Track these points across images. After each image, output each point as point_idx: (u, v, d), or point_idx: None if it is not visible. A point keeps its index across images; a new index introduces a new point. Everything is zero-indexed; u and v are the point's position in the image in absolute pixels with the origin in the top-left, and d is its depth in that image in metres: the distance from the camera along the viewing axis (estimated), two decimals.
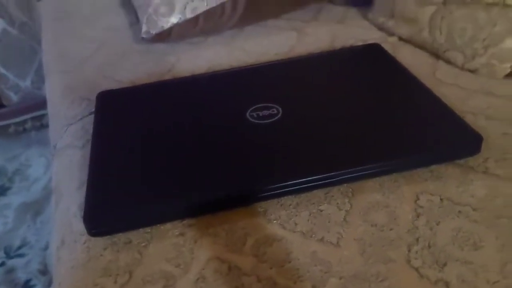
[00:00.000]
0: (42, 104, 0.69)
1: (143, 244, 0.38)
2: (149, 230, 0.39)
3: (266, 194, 0.40)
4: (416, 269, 0.34)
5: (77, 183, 0.45)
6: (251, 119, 0.46)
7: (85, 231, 0.38)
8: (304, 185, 0.40)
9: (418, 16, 0.61)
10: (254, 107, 0.48)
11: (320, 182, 0.40)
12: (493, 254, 0.35)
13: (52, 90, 0.64)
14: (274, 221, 0.39)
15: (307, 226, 0.38)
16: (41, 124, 1.27)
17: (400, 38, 0.65)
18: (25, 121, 1.28)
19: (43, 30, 0.80)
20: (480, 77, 0.55)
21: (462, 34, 0.56)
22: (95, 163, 0.43)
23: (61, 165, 0.49)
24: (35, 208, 1.07)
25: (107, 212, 0.38)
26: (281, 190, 0.40)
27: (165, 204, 0.39)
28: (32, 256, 0.98)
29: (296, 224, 0.38)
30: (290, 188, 0.40)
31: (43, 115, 1.24)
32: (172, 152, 0.43)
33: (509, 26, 0.53)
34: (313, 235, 0.37)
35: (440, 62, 0.59)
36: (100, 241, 0.38)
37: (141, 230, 0.39)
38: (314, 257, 0.35)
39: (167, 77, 0.60)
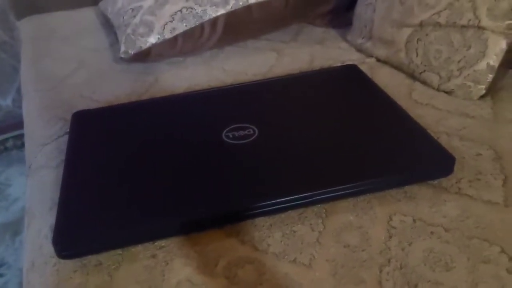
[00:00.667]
0: (23, 123, 0.68)
1: (113, 266, 0.37)
2: (120, 252, 0.38)
3: (239, 215, 0.40)
4: None
5: (50, 204, 0.44)
6: (227, 140, 0.46)
7: (55, 253, 0.37)
8: (278, 206, 0.40)
9: (395, 38, 0.62)
10: (230, 127, 0.48)
11: (294, 203, 0.40)
12: (464, 275, 0.35)
13: (29, 110, 0.63)
14: (247, 242, 0.38)
15: (280, 247, 0.38)
16: (22, 143, 1.25)
17: (378, 59, 0.66)
18: (6, 140, 1.26)
19: (22, 49, 0.80)
20: (455, 98, 0.56)
21: (438, 56, 0.57)
22: (67, 185, 0.42)
23: (34, 185, 0.48)
24: (14, 228, 1.05)
25: (77, 234, 0.38)
26: (255, 211, 0.40)
27: (136, 226, 0.38)
28: (10, 277, 0.96)
29: (269, 245, 0.38)
30: (264, 209, 0.40)
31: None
32: (145, 174, 0.43)
33: (483, 48, 0.54)
34: (286, 256, 0.37)
35: (416, 83, 0.60)
36: (70, 264, 0.38)
37: (112, 252, 0.38)
38: (286, 278, 0.35)
39: (145, 96, 0.60)
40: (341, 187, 0.41)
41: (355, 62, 0.61)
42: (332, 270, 0.36)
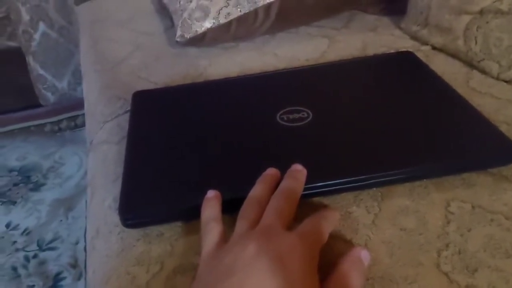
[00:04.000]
0: (77, 105, 0.72)
1: (174, 237, 0.39)
2: (181, 224, 0.40)
3: None
4: (446, 274, 0.34)
5: (112, 176, 0.46)
6: (281, 122, 0.47)
7: (120, 222, 0.39)
8: (333, 187, 0.40)
9: (453, 25, 0.61)
10: (284, 110, 0.48)
11: (349, 185, 0.41)
12: None
13: (89, 89, 0.66)
14: None
15: (335, 227, 0.38)
16: (75, 124, 1.32)
17: (434, 47, 0.65)
18: (60, 121, 1.33)
19: (81, 33, 0.83)
20: None
21: (498, 44, 0.56)
22: (131, 158, 0.44)
23: (96, 159, 0.51)
24: (67, 204, 1.11)
25: (141, 206, 0.40)
26: (310, 191, 0.40)
27: (196, 200, 0.40)
28: (63, 250, 1.01)
29: None
30: (320, 190, 0.40)
31: (78, 116, 1.29)
32: (204, 151, 0.44)
33: None
34: (341, 237, 0.37)
35: (474, 72, 0.58)
36: (134, 233, 0.40)
37: (172, 223, 0.40)
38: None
39: (200, 79, 0.61)
40: (398, 171, 0.41)
41: (410, 50, 0.60)
42: (388, 252, 0.36)
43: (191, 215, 0.40)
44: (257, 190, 0.38)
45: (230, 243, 0.33)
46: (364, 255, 0.34)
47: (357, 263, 0.33)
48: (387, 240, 0.37)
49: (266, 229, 0.33)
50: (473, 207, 0.39)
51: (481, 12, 0.57)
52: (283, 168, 0.41)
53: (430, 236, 0.37)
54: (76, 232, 1.03)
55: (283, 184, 0.39)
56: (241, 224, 0.35)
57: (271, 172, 0.40)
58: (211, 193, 0.38)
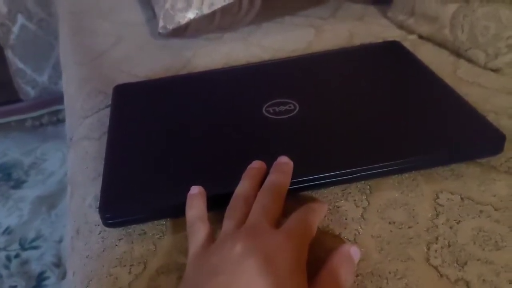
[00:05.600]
0: (58, 99, 0.70)
1: (157, 236, 0.38)
2: (164, 222, 0.39)
3: None
4: (436, 268, 0.33)
5: (93, 174, 0.45)
6: (267, 115, 0.46)
7: (100, 221, 0.38)
8: (320, 181, 0.39)
9: (439, 14, 0.60)
10: (270, 102, 0.47)
11: (337, 179, 0.40)
12: None
13: (69, 83, 0.64)
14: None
15: (323, 222, 0.37)
16: (57, 119, 1.29)
17: (420, 36, 0.64)
18: (41, 116, 1.29)
19: (60, 24, 0.81)
20: (503, 76, 0.54)
21: (485, 32, 0.55)
22: (111, 155, 0.43)
23: (77, 156, 0.49)
24: (50, 202, 1.08)
25: (122, 204, 0.38)
26: (297, 186, 0.39)
27: (180, 197, 0.38)
28: (46, 249, 0.99)
29: None
30: (307, 184, 0.39)
31: (60, 110, 1.26)
32: (187, 146, 0.43)
33: None
34: (330, 232, 0.37)
35: (461, 61, 0.58)
36: (115, 232, 0.38)
37: (155, 222, 0.39)
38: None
39: (183, 72, 0.60)
40: (385, 163, 0.40)
41: (397, 39, 0.59)
42: (377, 246, 0.35)
43: (175, 212, 0.39)
44: (243, 186, 0.37)
45: (217, 243, 0.32)
46: (354, 251, 0.33)
47: (347, 259, 0.32)
48: (376, 234, 0.36)
49: (252, 228, 0.32)
50: (462, 198, 0.38)
51: (467, 0, 0.57)
52: (270, 162, 0.40)
53: (419, 229, 0.36)
54: (60, 230, 1.01)
55: (269, 179, 0.38)
56: (228, 223, 0.34)
57: (257, 165, 0.39)
58: (195, 189, 0.37)
